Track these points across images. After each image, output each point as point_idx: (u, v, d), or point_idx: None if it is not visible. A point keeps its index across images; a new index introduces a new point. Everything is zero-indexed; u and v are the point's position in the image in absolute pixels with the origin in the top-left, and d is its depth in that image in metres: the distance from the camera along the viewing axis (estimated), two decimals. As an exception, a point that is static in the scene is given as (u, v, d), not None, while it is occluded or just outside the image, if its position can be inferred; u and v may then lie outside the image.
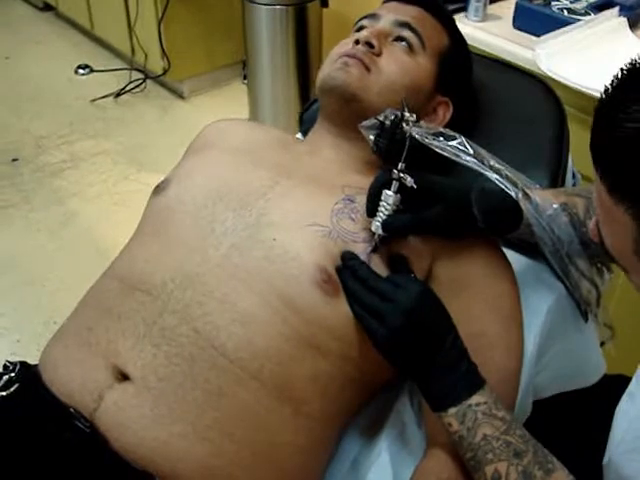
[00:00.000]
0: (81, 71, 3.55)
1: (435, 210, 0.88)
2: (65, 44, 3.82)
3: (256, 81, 2.96)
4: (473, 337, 0.85)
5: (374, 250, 0.89)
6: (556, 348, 1.02)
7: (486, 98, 1.14)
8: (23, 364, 0.88)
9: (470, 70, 1.13)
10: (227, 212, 0.92)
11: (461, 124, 1.07)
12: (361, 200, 0.93)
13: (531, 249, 1.03)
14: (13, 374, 0.86)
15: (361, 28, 1.07)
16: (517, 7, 1.75)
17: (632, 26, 1.72)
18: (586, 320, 1.04)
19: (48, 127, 3.11)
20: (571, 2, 1.76)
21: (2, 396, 0.83)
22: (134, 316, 0.85)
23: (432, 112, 1.07)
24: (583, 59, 1.54)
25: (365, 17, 1.10)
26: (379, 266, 0.89)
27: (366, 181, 0.95)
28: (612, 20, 1.69)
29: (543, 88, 1.15)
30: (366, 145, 0.97)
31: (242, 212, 0.92)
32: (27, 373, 0.87)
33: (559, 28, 1.64)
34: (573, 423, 1.12)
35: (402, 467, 0.90)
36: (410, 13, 1.07)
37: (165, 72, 3.23)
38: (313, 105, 1.29)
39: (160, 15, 3.05)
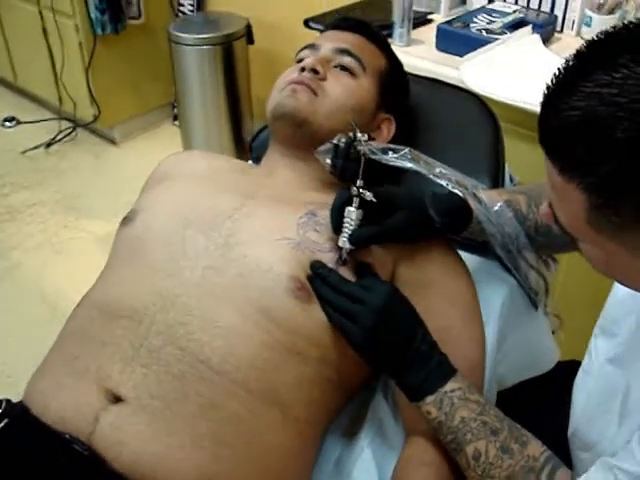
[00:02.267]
0: (8, 124, 3.51)
1: (396, 217, 0.95)
2: (-12, 98, 3.78)
3: (188, 121, 3.01)
4: (438, 331, 0.91)
5: (343, 263, 0.94)
6: (513, 338, 1.09)
7: (424, 113, 1.23)
8: (8, 401, 0.89)
9: (407, 87, 1.21)
10: (197, 235, 0.96)
11: (403, 138, 1.15)
12: (322, 214, 0.99)
13: (481, 248, 1.11)
14: (1, 409, 0.87)
15: (302, 59, 1.13)
16: (439, 31, 1.87)
17: (545, 41, 1.87)
18: (536, 309, 1.12)
19: (-21, 182, 3.06)
20: (487, 23, 1.88)
21: None
22: (120, 341, 0.87)
23: (377, 129, 1.14)
24: (505, 73, 1.65)
25: (305, 47, 1.17)
26: (347, 274, 0.94)
27: (325, 197, 1.02)
28: (527, 37, 1.82)
29: (475, 101, 1.24)
30: (320, 165, 1.03)
31: (211, 234, 0.96)
32: (14, 408, 0.88)
33: (479, 47, 1.76)
34: (533, 409, 1.19)
35: (384, 460, 0.95)
36: (348, 40, 1.14)
37: (95, 119, 3.23)
38: (261, 134, 1.35)
39: (87, 62, 3.06)
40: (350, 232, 0.93)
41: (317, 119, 1.06)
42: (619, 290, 0.87)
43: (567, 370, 1.03)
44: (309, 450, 0.92)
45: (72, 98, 3.24)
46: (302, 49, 1.17)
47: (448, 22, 1.91)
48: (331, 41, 1.14)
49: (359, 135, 0.97)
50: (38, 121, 3.46)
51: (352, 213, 0.94)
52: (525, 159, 1.25)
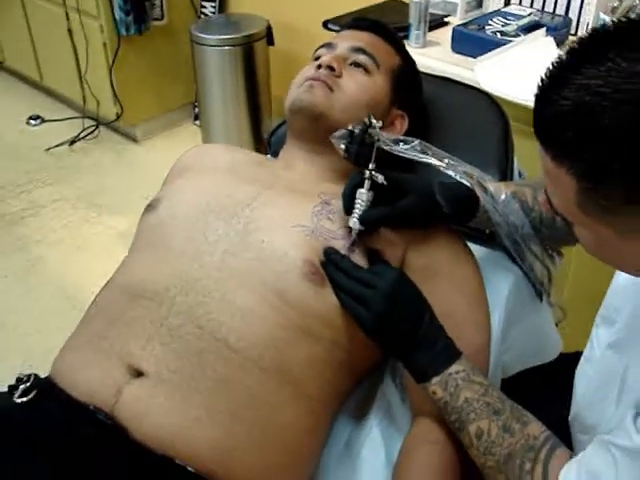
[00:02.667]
0: (33, 122, 3.59)
1: (406, 201, 1.00)
2: (14, 97, 3.86)
3: (209, 120, 3.06)
4: (444, 317, 0.95)
5: (352, 244, 0.99)
6: (518, 328, 1.13)
7: (437, 111, 1.27)
8: (35, 375, 0.95)
9: (420, 85, 1.26)
10: (217, 222, 1.01)
11: (416, 134, 1.19)
12: (336, 203, 1.04)
13: (488, 240, 1.15)
14: (28, 384, 0.92)
15: (319, 57, 1.18)
16: (454, 33, 1.91)
17: (558, 44, 1.90)
18: (541, 300, 1.15)
19: (4, 178, 3.14)
20: (502, 26, 1.92)
21: (23, 401, 0.90)
22: (142, 321, 0.93)
23: (390, 125, 1.18)
24: (518, 75, 1.69)
25: (322, 46, 1.22)
26: (358, 259, 0.99)
27: (338, 188, 1.07)
28: (540, 40, 1.86)
29: (486, 99, 1.28)
30: (335, 157, 1.09)
31: (231, 221, 1.01)
32: (41, 382, 0.93)
33: (494, 49, 1.80)
34: (535, 397, 1.22)
35: (392, 440, 1.00)
36: (363, 39, 1.19)
37: (118, 117, 3.30)
38: (278, 129, 1.39)
39: (111, 62, 3.13)
40: (360, 213, 0.98)
41: (333, 113, 1.10)
42: (620, 278, 0.91)
43: (571, 361, 1.06)
44: (320, 429, 0.97)
45: (96, 97, 3.32)
46: (319, 47, 1.22)
47: (464, 24, 1.96)
48: (347, 40, 1.19)
49: (374, 122, 1.02)
50: (62, 119, 3.54)
51: (363, 195, 0.98)
52: (535, 156, 1.29)
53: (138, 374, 0.89)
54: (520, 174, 1.24)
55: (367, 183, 0.99)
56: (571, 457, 0.87)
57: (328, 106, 1.11)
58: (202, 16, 3.33)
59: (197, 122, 3.58)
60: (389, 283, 0.92)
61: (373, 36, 1.20)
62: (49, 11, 3.31)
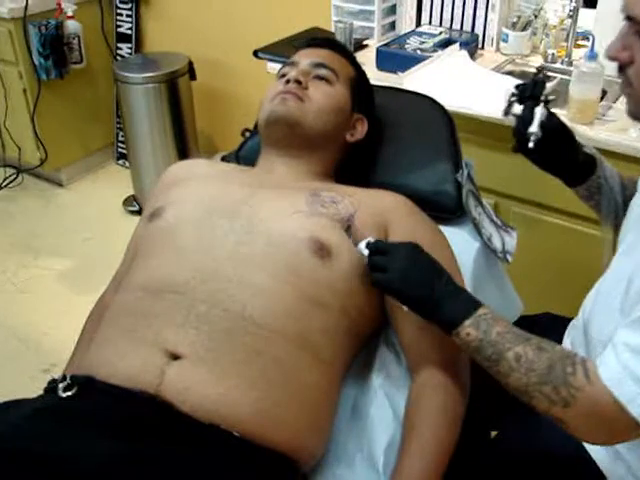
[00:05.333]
0: (-51, 175, 3.53)
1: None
2: None
3: (137, 158, 3.12)
4: None
5: (348, 228, 1.13)
6: (483, 292, 1.28)
7: (390, 115, 1.43)
8: (71, 375, 1.02)
9: (372, 91, 1.42)
10: (222, 220, 1.13)
11: (373, 135, 1.36)
12: (325, 194, 1.18)
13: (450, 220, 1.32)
14: (69, 381, 0.99)
15: (284, 74, 1.32)
16: (379, 52, 2.10)
17: (471, 56, 2.12)
18: (508, 262, 1.32)
19: None
20: (420, 44, 2.13)
21: (69, 395, 0.97)
22: (170, 312, 1.03)
23: (353, 127, 1.34)
24: (441, 83, 1.88)
25: (285, 65, 1.36)
26: (357, 232, 1.13)
27: (321, 184, 1.24)
28: (456, 53, 2.07)
29: (429, 101, 1.46)
30: (311, 160, 1.27)
31: (233, 217, 1.14)
32: (79, 378, 1.01)
33: (417, 64, 1.99)
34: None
35: (396, 397, 1.12)
36: (322, 55, 1.35)
37: (42, 163, 3.31)
38: (245, 145, 1.51)
39: (32, 107, 3.15)
40: (543, 119, 1.16)
41: (307, 120, 1.25)
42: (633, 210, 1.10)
43: (531, 323, 1.21)
44: (334, 390, 1.09)
45: (17, 144, 3.31)
46: (282, 67, 1.36)
47: (385, 45, 2.15)
48: (307, 57, 1.34)
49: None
50: (-21, 169, 3.50)
51: (539, 110, 1.17)
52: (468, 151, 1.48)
53: (175, 357, 0.98)
54: (466, 164, 1.40)
55: (541, 106, 1.18)
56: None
57: (301, 114, 1.25)
58: (119, 57, 3.41)
59: (120, 162, 3.63)
60: (407, 250, 1.04)
61: (329, 51, 1.36)
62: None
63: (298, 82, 1.28)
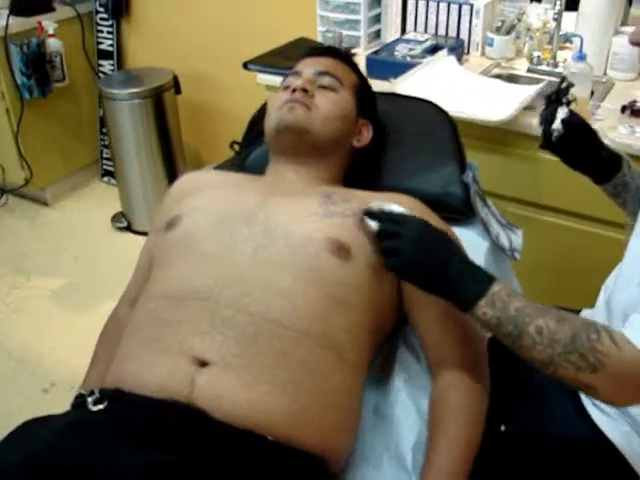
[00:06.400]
0: None
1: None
2: None
3: (124, 173, 3.11)
4: None
5: (361, 221, 1.14)
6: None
7: (393, 120, 1.45)
8: (100, 389, 1.02)
9: (375, 97, 1.44)
10: (239, 226, 1.14)
11: (378, 140, 1.38)
12: (335, 197, 1.20)
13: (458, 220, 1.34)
14: (97, 395, 0.99)
15: (289, 85, 1.33)
16: (369, 60, 2.13)
17: (458, 61, 2.16)
18: (516, 259, 1.35)
19: None
20: (409, 50, 2.16)
21: (100, 409, 0.97)
22: (193, 319, 1.03)
23: (358, 133, 1.36)
24: (433, 88, 1.91)
25: (288, 76, 1.37)
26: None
27: (330, 188, 1.26)
28: (445, 59, 2.11)
29: (430, 105, 1.48)
30: (320, 166, 1.30)
31: (251, 223, 1.15)
32: (107, 392, 1.01)
33: (406, 70, 2.02)
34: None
35: (419, 397, 1.14)
36: (325, 63, 1.37)
37: (27, 182, 3.28)
38: (250, 154, 1.53)
39: (16, 127, 3.13)
40: (565, 117, 1.24)
41: (315, 127, 1.27)
42: None
43: None
44: (358, 389, 1.10)
45: (0, 164, 3.29)
46: (286, 77, 1.38)
47: (375, 52, 2.18)
48: (311, 66, 1.36)
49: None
50: (-37, 192, 3.47)
51: (564, 109, 1.25)
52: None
53: (204, 364, 0.98)
54: (470, 165, 1.43)
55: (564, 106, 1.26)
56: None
57: (309, 122, 1.27)
58: (101, 74, 3.40)
59: (105, 179, 3.62)
60: (415, 230, 1.04)
61: (332, 59, 1.38)
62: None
63: (304, 90, 1.30)
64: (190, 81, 3.14)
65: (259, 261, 1.09)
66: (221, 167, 1.54)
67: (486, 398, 1.11)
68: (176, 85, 3.06)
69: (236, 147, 1.59)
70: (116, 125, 2.99)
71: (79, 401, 1.02)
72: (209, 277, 1.08)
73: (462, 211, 1.36)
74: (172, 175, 3.13)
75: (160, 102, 3.00)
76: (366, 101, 1.39)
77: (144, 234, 2.93)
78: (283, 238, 1.12)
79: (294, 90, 1.30)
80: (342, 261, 1.10)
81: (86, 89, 3.38)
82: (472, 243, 1.31)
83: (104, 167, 3.60)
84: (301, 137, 1.27)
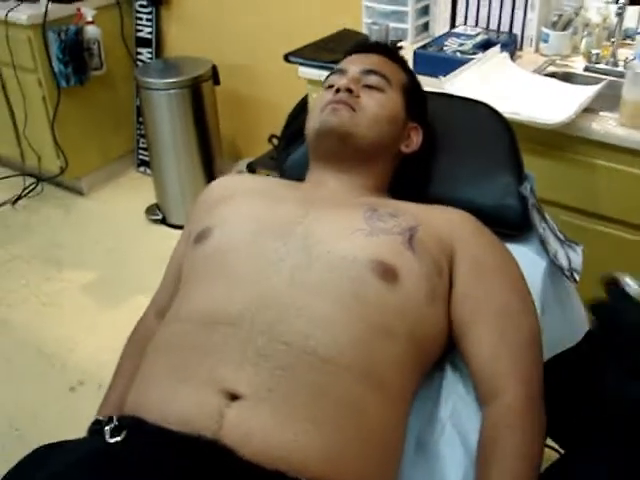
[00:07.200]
0: (-32, 184, 3.48)
1: None
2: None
3: (160, 164, 3.05)
4: (500, 309, 1.04)
5: (410, 239, 1.04)
6: (552, 311, 1.20)
7: (443, 123, 1.34)
8: (119, 416, 0.94)
9: (426, 97, 1.33)
10: (275, 243, 1.04)
11: (428, 145, 1.27)
12: (382, 210, 1.10)
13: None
14: (116, 423, 0.91)
15: (332, 84, 1.24)
16: (417, 55, 2.01)
17: (512, 58, 2.03)
18: (575, 281, 1.22)
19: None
20: (459, 45, 2.04)
21: (117, 441, 0.89)
22: (224, 347, 0.94)
23: (407, 137, 1.25)
24: (485, 87, 1.80)
25: (332, 73, 1.27)
26: (420, 251, 1.04)
27: (374, 199, 1.17)
28: (497, 56, 1.98)
29: (484, 107, 1.37)
30: (365, 174, 1.19)
31: (288, 240, 1.04)
32: (127, 421, 0.92)
33: (456, 67, 1.90)
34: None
35: (467, 432, 1.03)
36: (371, 61, 1.26)
37: (63, 171, 3.24)
38: (289, 156, 1.43)
39: (52, 115, 3.08)
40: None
41: (360, 131, 1.17)
42: None
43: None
44: (401, 426, 1.00)
45: (37, 153, 3.25)
46: (330, 75, 1.27)
47: (423, 47, 2.06)
48: (356, 64, 1.25)
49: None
50: (0, 178, 3.44)
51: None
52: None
53: (234, 397, 0.89)
54: (527, 176, 1.32)
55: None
56: None
57: (354, 125, 1.17)
58: (139, 62, 3.34)
59: (141, 169, 3.56)
60: None
61: (379, 57, 1.27)
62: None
63: (349, 91, 1.19)
64: (229, 72, 3.05)
65: (296, 283, 0.99)
66: (259, 161, 1.46)
67: (543, 438, 1.00)
68: (215, 75, 2.98)
69: (275, 141, 1.49)
70: (153, 115, 2.93)
71: (96, 427, 0.94)
72: (241, 301, 0.98)
73: (519, 226, 1.24)
74: (209, 167, 3.06)
75: (198, 92, 2.93)
76: (416, 102, 1.28)
77: (179, 227, 2.87)
78: (324, 258, 1.01)
79: (338, 90, 1.20)
80: (389, 285, 1.00)
81: (123, 77, 3.31)
82: (529, 262, 1.20)
83: (140, 157, 3.54)
84: (344, 142, 1.17)
